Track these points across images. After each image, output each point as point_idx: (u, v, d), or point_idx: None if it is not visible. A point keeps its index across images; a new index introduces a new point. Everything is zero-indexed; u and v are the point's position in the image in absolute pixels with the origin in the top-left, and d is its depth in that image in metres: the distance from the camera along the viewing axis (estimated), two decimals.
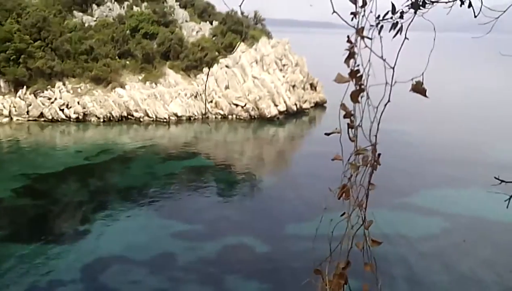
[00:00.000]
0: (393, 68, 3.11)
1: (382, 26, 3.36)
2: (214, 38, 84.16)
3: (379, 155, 3.34)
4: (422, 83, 3.09)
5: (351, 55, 3.44)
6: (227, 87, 72.13)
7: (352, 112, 3.47)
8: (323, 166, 48.54)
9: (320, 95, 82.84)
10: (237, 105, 70.77)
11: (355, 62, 3.36)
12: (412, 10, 3.43)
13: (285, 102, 72.57)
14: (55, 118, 64.62)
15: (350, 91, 3.24)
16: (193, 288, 26.62)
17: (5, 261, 28.79)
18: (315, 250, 30.35)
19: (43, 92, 66.86)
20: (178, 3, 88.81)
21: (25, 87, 66.83)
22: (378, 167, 3.34)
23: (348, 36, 3.40)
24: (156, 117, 67.13)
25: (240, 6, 4.09)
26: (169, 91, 70.70)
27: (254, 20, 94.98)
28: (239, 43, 78.22)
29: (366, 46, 3.28)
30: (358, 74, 3.39)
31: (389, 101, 3.16)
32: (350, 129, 3.48)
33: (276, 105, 71.35)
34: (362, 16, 3.34)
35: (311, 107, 79.13)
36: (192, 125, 67.05)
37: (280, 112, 71.64)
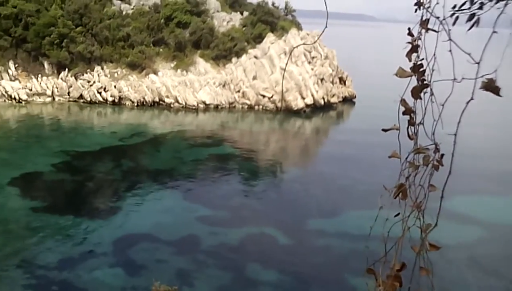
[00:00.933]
0: (478, 63, 2.76)
1: (457, 18, 3.02)
2: (244, 29, 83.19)
3: (442, 155, 3.01)
4: (495, 80, 2.74)
5: (414, 48, 3.15)
6: (254, 78, 70.97)
7: (413, 108, 3.14)
8: (348, 162, 48.18)
9: (349, 89, 79.81)
10: (264, 96, 69.32)
11: (418, 56, 3.07)
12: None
13: (312, 95, 70.21)
14: (93, 100, 65.17)
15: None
16: (214, 272, 26.38)
17: (43, 230, 29.19)
18: (337, 248, 30.11)
19: (83, 75, 67.57)
20: None
21: (67, 69, 67.71)
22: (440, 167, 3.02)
23: (409, 29, 3.15)
24: (186, 104, 66.95)
25: None
26: (198, 79, 70.45)
27: (285, 11, 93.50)
28: (267, 34, 77.00)
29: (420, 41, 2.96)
30: (421, 69, 3.09)
31: (472, 99, 2.81)
32: (410, 127, 3.16)
33: (303, 98, 69.17)
34: (428, 7, 3.04)
35: (339, 101, 75.81)
36: (219, 114, 66.44)
37: (307, 106, 69.30)
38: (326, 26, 4.29)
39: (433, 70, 3.03)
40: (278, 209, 36.01)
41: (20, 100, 62.50)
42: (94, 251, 26.93)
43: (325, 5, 4.16)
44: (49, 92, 65.28)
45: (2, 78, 64.34)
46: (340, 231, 31.85)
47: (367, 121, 64.54)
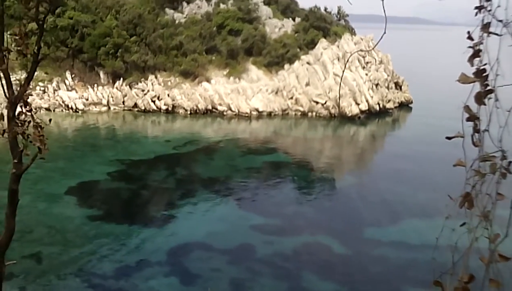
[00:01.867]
0: None
1: None
2: (296, 35, 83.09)
3: (509, 162, 2.94)
4: None
5: (476, 53, 3.08)
6: (307, 84, 70.64)
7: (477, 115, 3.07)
8: (406, 170, 47.08)
9: (406, 95, 78.41)
10: (317, 102, 68.78)
11: (481, 61, 2.99)
12: None
13: (367, 101, 69.12)
14: (147, 109, 66.55)
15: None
16: (269, 281, 26.24)
17: (99, 238, 29.92)
18: (396, 258, 29.44)
19: (137, 84, 69.19)
20: (262, 0, 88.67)
21: (121, 79, 69.56)
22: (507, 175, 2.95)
23: (468, 32, 3.08)
24: (239, 111, 67.36)
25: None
26: (251, 87, 70.74)
27: (337, 16, 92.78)
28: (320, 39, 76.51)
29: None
30: (484, 74, 3.02)
31: None
32: (474, 134, 3.09)
33: (357, 104, 68.08)
34: (489, 10, 2.98)
35: (395, 107, 74.37)
36: (272, 121, 66.36)
37: (362, 112, 68.24)
38: (384, 32, 4.25)
39: (497, 75, 2.97)
40: (333, 217, 35.62)
41: (77, 110, 64.55)
42: (149, 260, 27.32)
43: (384, 11, 4.11)
44: (104, 102, 67.19)
45: (60, 89, 66.61)
46: (399, 241, 31.22)
47: (424, 127, 63.37)
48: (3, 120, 9.85)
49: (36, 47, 11.18)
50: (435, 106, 76.69)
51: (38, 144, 10.00)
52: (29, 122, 10.18)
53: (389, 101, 73.32)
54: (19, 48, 10.22)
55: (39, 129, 10.10)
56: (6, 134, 9.88)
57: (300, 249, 30.02)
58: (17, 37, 10.29)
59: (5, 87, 10.41)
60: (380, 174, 46.96)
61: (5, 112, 9.82)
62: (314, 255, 29.59)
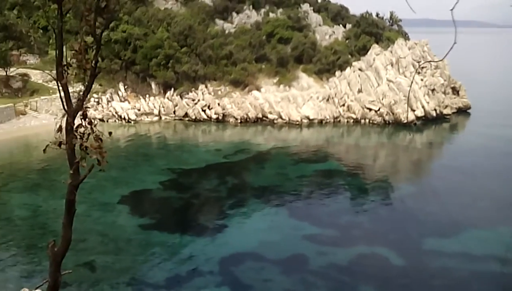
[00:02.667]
0: None
1: None
2: (347, 41, 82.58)
3: None
4: None
5: None
6: (360, 91, 69.78)
7: None
8: (465, 176, 45.83)
9: (464, 100, 76.07)
10: (370, 109, 67.74)
11: None
12: None
13: (423, 107, 67.54)
14: (197, 118, 67.23)
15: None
16: None
17: (151, 247, 30.25)
18: (458, 270, 28.43)
19: (188, 94, 70.19)
20: (312, 8, 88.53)
21: (172, 89, 70.76)
22: None
23: None
24: (289, 119, 67.14)
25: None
26: (301, 94, 70.54)
27: (390, 21, 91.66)
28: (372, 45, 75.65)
29: None
30: None
31: None
32: None
33: (413, 110, 66.50)
34: None
35: (453, 113, 72.24)
36: (323, 129, 65.79)
37: (418, 118, 66.67)
38: (455, 42, 4.07)
39: None
40: (390, 227, 34.66)
41: (129, 120, 66.00)
42: (201, 269, 27.38)
43: (453, 21, 3.99)
44: (156, 112, 68.35)
45: (113, 100, 68.41)
46: (461, 252, 30.23)
47: (483, 133, 61.68)
48: (61, 132, 10.09)
49: (93, 61, 11.43)
50: (494, 112, 74.95)
51: (97, 157, 10.15)
52: (89, 134, 10.38)
53: (446, 107, 71.48)
54: (79, 63, 10.46)
55: (99, 141, 10.27)
56: (63, 146, 10.11)
57: (355, 260, 29.29)
58: (76, 52, 10.53)
59: (64, 101, 10.68)
60: (438, 182, 45.61)
61: (63, 124, 10.07)
62: (370, 267, 28.85)
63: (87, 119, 10.28)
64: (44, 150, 9.77)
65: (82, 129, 9.96)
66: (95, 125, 10.32)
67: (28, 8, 58.84)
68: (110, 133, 11.21)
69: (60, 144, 10.04)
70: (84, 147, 10.05)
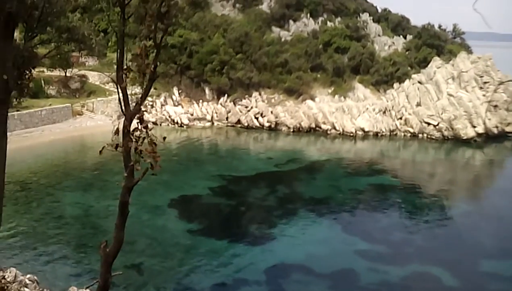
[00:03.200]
0: None
1: None
2: (407, 53, 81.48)
3: None
4: None
5: None
6: (418, 104, 68.59)
7: None
8: None
9: None
10: (428, 123, 66.51)
11: None
12: None
13: (484, 123, 65.70)
14: (250, 125, 67.58)
15: None
16: None
17: (199, 253, 30.36)
18: None
19: (241, 100, 70.67)
20: (371, 18, 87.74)
21: (226, 95, 71.40)
22: None
23: None
24: (343, 130, 66.61)
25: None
26: (357, 106, 69.93)
27: (453, 34, 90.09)
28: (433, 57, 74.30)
29: None
30: None
31: None
32: None
33: (473, 127, 65.27)
34: None
35: None
36: (379, 142, 65.01)
37: (478, 135, 65.25)
38: None
39: None
40: (445, 246, 33.49)
41: (182, 125, 66.85)
42: (247, 278, 27.26)
43: None
44: (208, 117, 69.14)
45: (167, 104, 69.51)
46: None
47: None
48: (118, 134, 10.26)
49: (153, 66, 11.60)
50: None
51: (151, 161, 10.28)
52: (144, 138, 10.52)
53: (508, 124, 69.29)
54: (139, 67, 10.63)
55: (153, 146, 10.41)
56: (119, 148, 10.27)
57: (408, 279, 28.53)
58: (137, 56, 10.70)
59: (122, 104, 10.88)
60: (497, 202, 44.16)
61: (120, 127, 10.24)
62: (422, 287, 28.02)
63: (143, 123, 10.47)
64: (101, 151, 9.98)
65: (137, 133, 10.13)
66: (150, 130, 10.49)
67: (91, 11, 59.97)
68: (164, 138, 11.34)
69: (116, 146, 10.24)
70: (139, 151, 10.21)
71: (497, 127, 67.64)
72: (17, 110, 52.09)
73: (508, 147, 66.73)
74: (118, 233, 10.64)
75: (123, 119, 10.55)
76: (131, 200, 10.48)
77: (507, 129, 68.92)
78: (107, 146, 10.06)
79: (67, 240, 31.55)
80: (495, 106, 69.25)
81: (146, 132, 10.32)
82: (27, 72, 13.59)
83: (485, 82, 70.97)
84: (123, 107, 10.82)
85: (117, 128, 9.94)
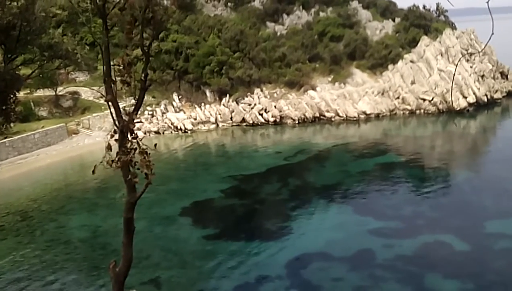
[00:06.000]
0: None
1: None
2: (397, 35, 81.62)
3: None
4: None
5: None
6: (413, 82, 68.44)
7: None
8: None
9: None
10: (424, 99, 66.50)
11: None
12: None
13: (474, 93, 66.66)
14: (255, 122, 66.46)
15: None
16: (393, 286, 24.60)
17: (216, 257, 29.33)
18: None
19: (243, 99, 69.69)
20: (361, 5, 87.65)
21: (228, 95, 70.29)
22: None
23: None
24: (346, 116, 65.91)
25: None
26: (357, 90, 69.35)
27: (436, 13, 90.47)
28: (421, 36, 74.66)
29: None
30: None
31: None
32: None
33: (465, 97, 65.82)
34: None
35: (503, 97, 71.77)
36: (380, 122, 64.64)
37: (470, 104, 65.98)
38: (492, 33, 3.77)
39: None
40: (451, 214, 33.46)
41: (186, 130, 65.01)
42: (269, 275, 26.45)
43: (489, 10, 3.68)
44: (212, 119, 67.58)
45: (168, 111, 67.99)
46: None
47: None
48: (111, 150, 9.49)
49: (143, 75, 10.77)
50: None
51: (145, 171, 9.56)
52: (135, 149, 9.77)
53: (496, 91, 70.64)
54: (122, 78, 9.85)
55: (145, 155, 9.67)
56: (114, 164, 9.52)
57: (421, 250, 28.37)
58: (120, 67, 9.93)
59: (114, 117, 10.08)
60: (495, 165, 44.37)
61: (111, 142, 9.46)
62: (435, 255, 27.79)
63: (133, 134, 9.69)
64: (93, 171, 9.19)
65: (129, 145, 9.38)
66: (141, 140, 9.74)
67: (74, 24, 57.60)
68: (155, 145, 10.54)
69: (112, 163, 9.46)
70: (133, 163, 9.47)
71: (486, 95, 68.50)
72: (5, 137, 48.82)
73: (498, 112, 68.01)
74: (126, 251, 9.85)
75: (110, 134, 9.78)
76: (141, 214, 9.66)
77: (495, 96, 70.25)
78: (99, 164, 9.34)
79: (78, 264, 29.93)
80: (482, 76, 70.23)
81: (137, 142, 9.58)
82: (11, 96, 12.71)
83: (471, 54, 71.36)
84: (116, 121, 10.07)
85: (109, 144, 9.20)
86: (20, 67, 13.75)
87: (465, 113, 65.17)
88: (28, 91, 55.84)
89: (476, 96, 66.84)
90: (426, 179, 42.30)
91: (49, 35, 13.65)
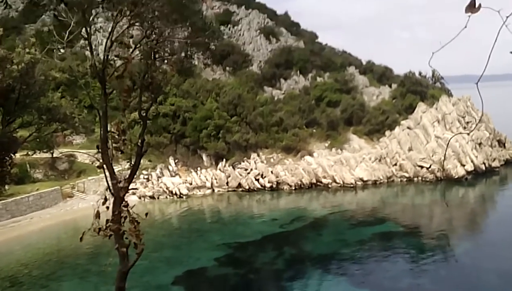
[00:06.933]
0: None
1: None
2: (394, 101, 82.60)
3: None
4: None
5: None
6: (410, 149, 68.58)
7: None
8: None
9: (510, 151, 76.03)
10: (421, 167, 66.31)
11: None
12: None
13: (472, 161, 66.62)
14: (251, 188, 65.78)
15: None
16: None
17: None
18: None
19: (240, 163, 69.44)
20: (358, 70, 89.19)
21: (224, 160, 69.97)
22: None
23: None
24: (343, 182, 65.53)
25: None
26: (354, 156, 69.36)
27: (432, 79, 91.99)
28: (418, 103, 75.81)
29: None
30: None
31: None
32: None
33: (463, 165, 65.70)
34: None
35: (501, 165, 71.99)
36: (378, 190, 64.23)
37: (468, 172, 65.71)
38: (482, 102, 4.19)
39: None
40: (451, 287, 32.93)
41: (181, 195, 63.64)
42: None
43: (477, 90, 3.66)
44: (208, 184, 66.55)
45: (163, 175, 67.08)
46: None
47: None
48: (99, 218, 9.22)
49: (140, 140, 10.61)
50: None
51: (134, 240, 9.25)
52: (125, 217, 9.49)
53: (494, 159, 70.87)
54: (116, 144, 9.67)
55: (135, 224, 9.39)
56: (102, 232, 9.25)
57: None
58: (114, 134, 9.76)
59: (109, 182, 9.85)
60: (494, 237, 44.11)
61: (101, 209, 9.22)
62: None
63: (123, 202, 9.46)
64: (81, 238, 8.90)
65: (119, 212, 9.15)
66: (133, 206, 9.50)
67: (72, 87, 58.22)
68: (146, 214, 10.29)
69: (99, 231, 9.18)
70: (122, 231, 9.19)
71: (484, 163, 68.55)
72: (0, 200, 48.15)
73: (497, 181, 68.00)
74: None
75: (101, 201, 9.64)
76: (132, 282, 9.33)
77: (493, 164, 70.37)
78: (87, 231, 9.09)
79: None
80: (480, 143, 70.38)
81: (128, 210, 9.35)
82: (7, 158, 12.61)
83: (468, 122, 73.06)
84: (110, 186, 9.88)
85: (97, 211, 8.96)
86: (17, 129, 13.71)
87: (464, 182, 64.70)
88: (25, 153, 55.78)
89: (474, 164, 66.77)
90: (425, 250, 41.54)
91: (48, 98, 13.69)
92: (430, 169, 66.11)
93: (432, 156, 66.73)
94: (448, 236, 45.75)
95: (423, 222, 51.66)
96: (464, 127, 71.45)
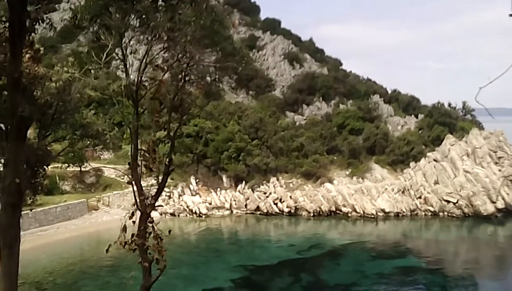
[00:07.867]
0: None
1: None
2: (420, 132, 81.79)
3: None
4: None
5: None
6: (436, 182, 67.40)
7: None
8: None
9: None
10: (448, 201, 64.94)
11: None
12: None
13: (503, 198, 64.46)
14: (269, 211, 65.97)
15: None
16: None
17: None
18: None
19: (259, 187, 69.76)
20: (382, 99, 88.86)
21: (243, 182, 70.42)
22: None
23: None
24: (364, 212, 65.05)
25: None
26: (375, 186, 68.82)
27: (463, 111, 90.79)
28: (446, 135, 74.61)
29: None
30: None
31: None
32: None
33: (493, 202, 63.70)
34: None
35: None
36: (400, 222, 63.28)
37: (498, 210, 63.62)
38: None
39: None
40: None
41: (200, 214, 64.83)
42: None
43: None
44: (227, 205, 67.49)
45: (184, 193, 68.33)
46: None
47: None
48: (125, 232, 9.62)
49: (167, 160, 11.00)
50: None
51: (156, 256, 9.64)
52: (150, 233, 9.88)
53: None
54: (146, 162, 10.13)
55: (158, 240, 9.78)
56: (127, 246, 9.67)
57: None
58: (145, 152, 10.21)
59: (137, 199, 10.24)
60: None
61: (128, 223, 9.62)
62: None
63: (149, 218, 9.89)
64: (107, 250, 9.30)
65: (144, 228, 9.56)
66: (157, 223, 9.88)
67: (104, 105, 60.41)
68: (169, 231, 10.73)
69: (125, 244, 9.59)
70: (146, 246, 9.59)
71: None
72: (31, 209, 50.73)
73: None
74: None
75: (128, 215, 10.08)
76: None
77: None
78: (113, 244, 9.47)
79: None
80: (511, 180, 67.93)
81: (152, 227, 9.78)
82: (41, 170, 13.39)
83: (500, 157, 70.54)
84: (137, 202, 10.31)
85: (125, 225, 9.34)
86: (52, 143, 14.50)
87: (493, 220, 62.75)
88: (55, 166, 57.99)
89: (505, 201, 64.61)
90: (448, 288, 40.75)
91: (82, 115, 14.37)
92: (457, 204, 64.67)
93: (460, 190, 65.27)
94: (473, 275, 44.34)
95: (448, 258, 50.41)
96: (496, 163, 69.79)
